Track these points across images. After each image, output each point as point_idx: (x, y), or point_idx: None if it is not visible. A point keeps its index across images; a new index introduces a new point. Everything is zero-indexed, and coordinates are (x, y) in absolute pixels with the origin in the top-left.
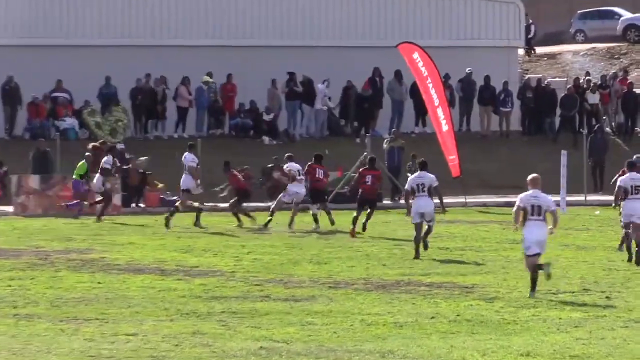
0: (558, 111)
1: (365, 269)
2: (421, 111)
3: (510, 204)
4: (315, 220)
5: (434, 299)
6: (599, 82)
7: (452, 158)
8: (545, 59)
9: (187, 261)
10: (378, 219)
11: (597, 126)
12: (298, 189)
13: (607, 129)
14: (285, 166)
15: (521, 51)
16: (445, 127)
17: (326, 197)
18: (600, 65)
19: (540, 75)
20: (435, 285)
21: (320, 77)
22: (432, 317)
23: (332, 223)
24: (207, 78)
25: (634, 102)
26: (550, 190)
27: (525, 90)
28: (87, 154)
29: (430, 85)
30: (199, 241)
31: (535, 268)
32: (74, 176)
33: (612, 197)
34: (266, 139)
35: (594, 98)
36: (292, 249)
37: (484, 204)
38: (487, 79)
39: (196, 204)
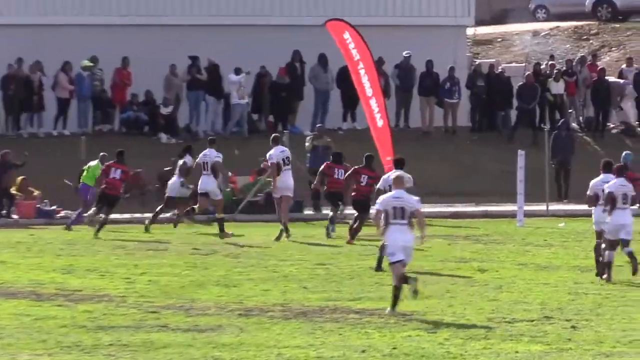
0: (515, 103)
1: (282, 292)
2: (350, 103)
3: (458, 215)
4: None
5: (365, 329)
6: (564, 69)
7: (388, 159)
8: (500, 40)
9: (68, 283)
10: (297, 232)
11: (561, 121)
12: (287, 179)
13: (574, 125)
14: (268, 155)
15: (471, 31)
16: (380, 123)
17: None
18: (565, 48)
19: (494, 60)
20: (366, 313)
21: (229, 61)
22: (363, 351)
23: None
24: (86, 62)
25: (606, 92)
26: (505, 197)
27: (475, 78)
28: (102, 154)
29: (363, 72)
30: (83, 260)
31: (401, 279)
32: (84, 180)
33: (579, 207)
34: (163, 136)
35: (557, 87)
36: (195, 269)
37: (426, 215)
38: (429, 64)
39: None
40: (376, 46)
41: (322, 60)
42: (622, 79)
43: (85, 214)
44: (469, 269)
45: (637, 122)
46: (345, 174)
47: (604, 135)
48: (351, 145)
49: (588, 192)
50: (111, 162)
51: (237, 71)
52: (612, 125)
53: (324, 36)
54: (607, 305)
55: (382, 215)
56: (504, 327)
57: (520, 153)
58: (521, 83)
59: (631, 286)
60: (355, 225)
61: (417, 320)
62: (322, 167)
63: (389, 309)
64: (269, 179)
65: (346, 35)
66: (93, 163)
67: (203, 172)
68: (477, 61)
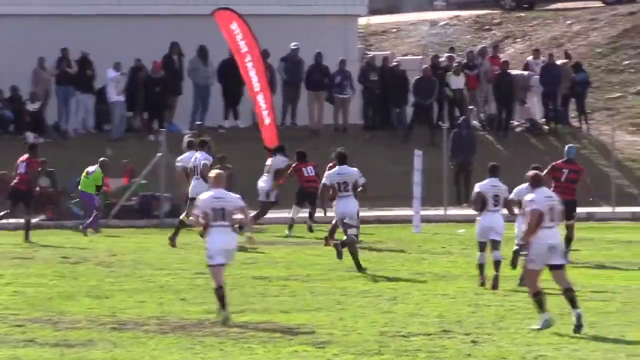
0: (411, 99)
1: (158, 304)
2: (232, 99)
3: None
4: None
5: (249, 344)
6: (465, 61)
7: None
8: (395, 31)
9: None
10: (177, 239)
11: (461, 118)
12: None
13: (475, 122)
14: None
15: (363, 20)
16: (267, 120)
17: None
18: (466, 39)
19: (388, 53)
20: (250, 326)
21: (102, 54)
22: None
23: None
24: None
25: (509, 86)
26: (400, 201)
27: (368, 72)
28: (102, 159)
29: (250, 65)
30: None
31: (222, 282)
32: (83, 188)
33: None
34: (30, 135)
35: (457, 82)
36: (64, 279)
37: (317, 221)
38: (318, 57)
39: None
40: (260, 37)
41: (202, 52)
42: (528, 72)
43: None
44: (361, 279)
45: (543, 119)
46: (314, 170)
47: (508, 133)
48: (233, 145)
49: (475, 193)
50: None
51: (117, 66)
52: (516, 123)
53: (204, 27)
54: (510, 318)
55: (201, 217)
56: (398, 342)
57: (417, 153)
58: (418, 77)
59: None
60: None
61: (305, 334)
62: (289, 170)
63: (222, 311)
64: (144, 182)
65: (234, 26)
66: (92, 169)
67: (194, 177)
68: (370, 53)
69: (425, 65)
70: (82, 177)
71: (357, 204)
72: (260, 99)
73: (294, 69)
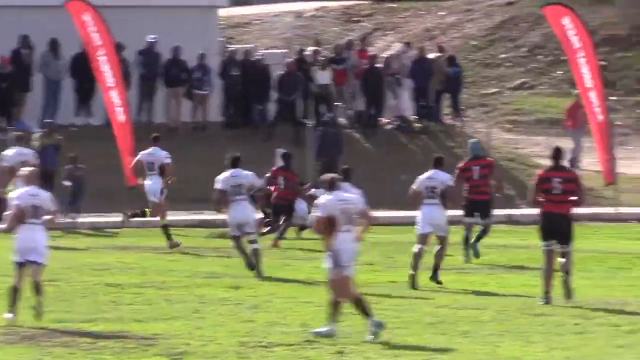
0: (274, 95)
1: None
2: (85, 95)
3: (207, 223)
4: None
5: (101, 355)
6: (332, 55)
7: (130, 160)
8: (258, 22)
9: None
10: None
11: (328, 115)
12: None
13: (342, 120)
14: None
15: (224, 12)
16: (121, 117)
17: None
18: (333, 31)
19: (250, 46)
20: (102, 336)
21: None
22: None
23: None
24: None
25: (378, 82)
26: None
27: (229, 67)
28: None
29: (104, 59)
30: None
31: (18, 283)
32: None
33: None
34: None
35: (324, 77)
36: None
37: (168, 225)
38: (176, 50)
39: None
40: (116, 30)
41: (54, 45)
42: (398, 65)
43: None
44: (220, 286)
45: (414, 117)
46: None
47: (377, 131)
48: (86, 143)
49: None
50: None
51: None
52: (385, 120)
53: (56, 19)
54: None
55: (17, 213)
56: (259, 353)
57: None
58: (282, 72)
59: (412, 305)
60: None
61: (160, 345)
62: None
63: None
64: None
65: (87, 17)
66: None
67: (148, 172)
68: (232, 47)
69: (290, 60)
70: None
71: (253, 209)
72: (114, 94)
73: (151, 63)
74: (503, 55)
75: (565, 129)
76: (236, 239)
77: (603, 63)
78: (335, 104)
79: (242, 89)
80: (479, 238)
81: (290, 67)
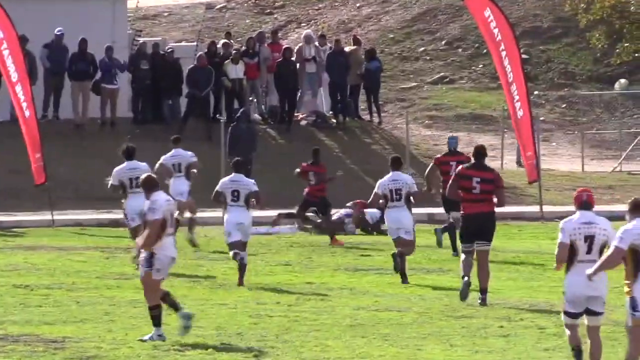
0: (185, 89)
1: None
2: None
3: (117, 222)
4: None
5: (9, 359)
6: (244, 48)
7: (38, 157)
8: (167, 14)
9: None
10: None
11: (240, 111)
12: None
13: (256, 115)
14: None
15: (132, 3)
16: (26, 113)
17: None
18: (245, 23)
19: (160, 39)
20: (10, 339)
21: None
22: None
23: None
24: None
25: (292, 76)
26: None
27: (137, 60)
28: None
29: (7, 53)
30: None
31: None
32: None
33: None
34: None
35: (236, 71)
36: None
37: (79, 223)
38: (82, 43)
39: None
40: (19, 22)
41: None
42: (314, 58)
43: None
44: (130, 287)
45: (330, 112)
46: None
47: (292, 127)
48: None
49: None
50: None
51: None
52: (300, 116)
53: None
54: (296, 330)
55: None
56: (173, 356)
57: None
58: (192, 66)
59: (331, 307)
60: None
61: (70, 348)
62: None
63: None
64: None
65: None
66: None
67: (176, 174)
68: (141, 40)
69: (201, 53)
70: None
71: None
72: (18, 89)
73: (57, 56)
74: (422, 49)
75: None
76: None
77: (525, 56)
78: (249, 98)
79: (151, 83)
80: (446, 229)
81: (201, 61)
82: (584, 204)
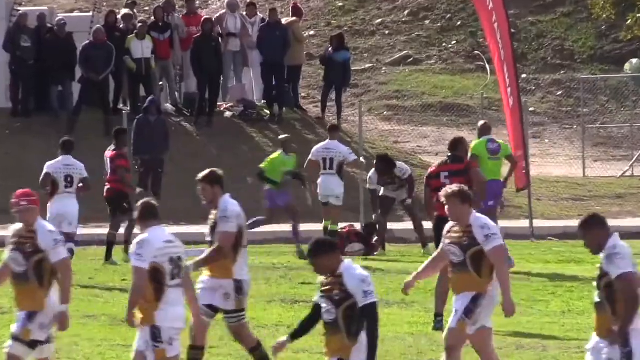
0: (79, 72)
1: None
2: None
3: None
4: None
5: None
6: (152, 20)
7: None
8: None
9: None
10: None
11: (148, 100)
12: None
13: (168, 105)
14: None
15: None
16: None
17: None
18: None
19: (46, 8)
20: None
21: None
22: None
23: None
24: None
25: (214, 55)
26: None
27: (18, 35)
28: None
29: None
30: None
31: None
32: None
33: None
34: None
35: (142, 48)
36: None
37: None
38: None
39: None
40: None
41: None
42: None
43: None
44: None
45: (263, 101)
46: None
47: (213, 120)
48: None
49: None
50: None
51: None
52: (225, 106)
53: None
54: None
55: None
56: None
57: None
58: (87, 42)
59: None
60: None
61: None
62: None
63: None
64: None
65: None
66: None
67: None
68: (21, 9)
69: (98, 26)
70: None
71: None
72: None
73: None
74: (378, 20)
75: None
76: None
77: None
78: (158, 84)
79: (35, 64)
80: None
81: (99, 36)
82: None
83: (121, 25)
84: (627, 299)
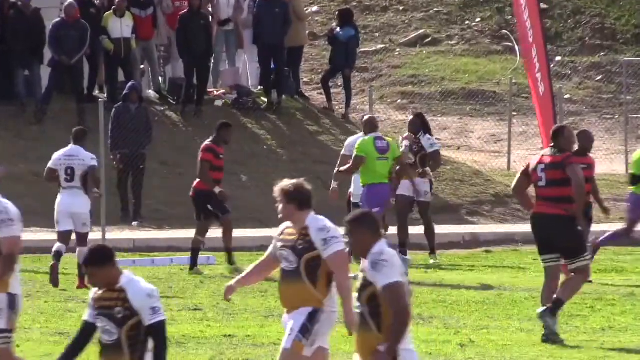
0: (49, 55)
1: None
2: None
3: None
4: None
5: None
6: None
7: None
8: None
9: None
10: None
11: (128, 86)
12: None
13: (151, 92)
14: None
15: None
16: None
17: None
18: None
19: None
20: None
21: None
22: None
23: None
24: None
25: (204, 35)
26: (33, 218)
27: None
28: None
29: None
30: None
31: None
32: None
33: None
34: None
35: (122, 27)
36: None
37: None
38: None
39: None
40: None
41: None
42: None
43: None
44: None
45: (259, 87)
46: None
47: (202, 109)
48: None
49: None
50: None
51: None
52: (216, 92)
53: None
54: None
55: None
56: None
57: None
58: (58, 20)
59: None
60: None
61: None
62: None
63: None
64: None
65: None
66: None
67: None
68: None
69: (70, 1)
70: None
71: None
72: None
73: None
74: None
75: None
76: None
77: (543, 5)
78: (140, 67)
79: (0, 47)
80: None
81: (71, 13)
82: None
83: (97, 1)
84: (396, 312)
